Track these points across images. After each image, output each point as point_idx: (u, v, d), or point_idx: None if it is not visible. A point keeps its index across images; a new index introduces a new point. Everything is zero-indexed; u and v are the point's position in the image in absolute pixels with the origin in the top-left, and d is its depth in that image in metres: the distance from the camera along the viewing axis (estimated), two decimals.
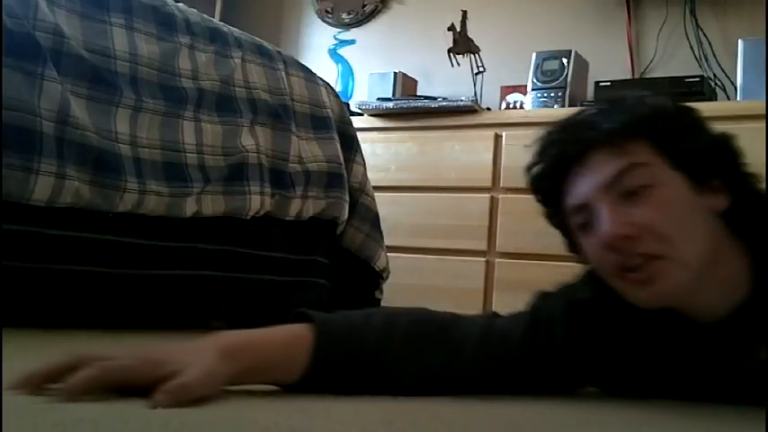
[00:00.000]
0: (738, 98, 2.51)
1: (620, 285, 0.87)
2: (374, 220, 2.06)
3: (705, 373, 0.90)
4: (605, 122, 0.87)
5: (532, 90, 2.80)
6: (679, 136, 0.88)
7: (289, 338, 0.80)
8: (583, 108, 0.94)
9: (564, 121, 0.93)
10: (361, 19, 3.62)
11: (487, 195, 2.65)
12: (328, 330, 0.81)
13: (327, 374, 0.80)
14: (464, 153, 2.72)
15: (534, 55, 2.85)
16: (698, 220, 0.85)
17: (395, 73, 3.14)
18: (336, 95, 2.08)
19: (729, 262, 0.87)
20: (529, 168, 0.96)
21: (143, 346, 0.75)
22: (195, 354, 0.71)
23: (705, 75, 2.70)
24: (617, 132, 0.86)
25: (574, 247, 0.96)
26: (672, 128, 0.88)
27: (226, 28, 1.82)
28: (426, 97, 2.89)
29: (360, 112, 2.92)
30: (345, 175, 1.95)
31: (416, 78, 3.26)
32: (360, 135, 2.13)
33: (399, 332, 0.87)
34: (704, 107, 2.76)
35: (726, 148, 0.90)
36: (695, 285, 0.84)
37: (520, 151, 3.01)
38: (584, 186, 0.87)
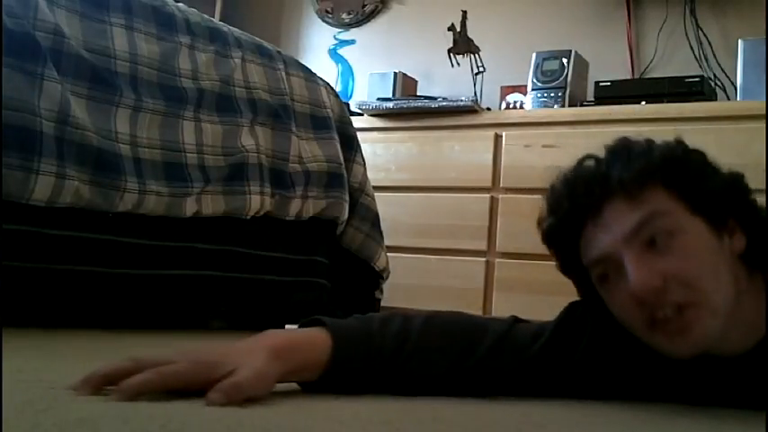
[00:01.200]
0: (738, 98, 2.51)
1: (652, 338, 0.85)
2: (374, 220, 2.06)
3: (729, 400, 0.89)
4: (616, 172, 0.86)
5: (532, 90, 2.80)
6: (694, 180, 0.86)
7: (312, 339, 0.81)
8: (585, 159, 0.92)
9: (570, 176, 0.91)
10: (361, 19, 3.62)
11: (487, 195, 2.65)
12: (344, 333, 0.82)
13: (344, 375, 0.81)
14: (464, 153, 2.72)
15: (534, 55, 2.85)
16: (722, 264, 0.84)
17: (395, 73, 3.14)
18: (336, 95, 2.08)
19: (751, 301, 0.86)
20: (540, 223, 0.94)
21: (196, 348, 0.78)
22: (247, 355, 0.74)
23: (705, 75, 2.70)
24: (632, 181, 0.85)
25: (588, 297, 0.95)
26: (686, 172, 0.87)
27: (226, 28, 1.82)
28: (426, 97, 2.89)
29: (360, 112, 2.92)
30: (345, 175, 1.95)
31: (416, 78, 3.26)
32: (360, 135, 2.13)
33: (413, 334, 0.87)
34: (704, 107, 2.75)
35: (737, 187, 0.90)
36: (723, 329, 0.83)
37: (520, 151, 3.02)
38: (605, 239, 0.85)
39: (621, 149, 0.90)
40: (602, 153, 0.91)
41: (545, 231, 0.94)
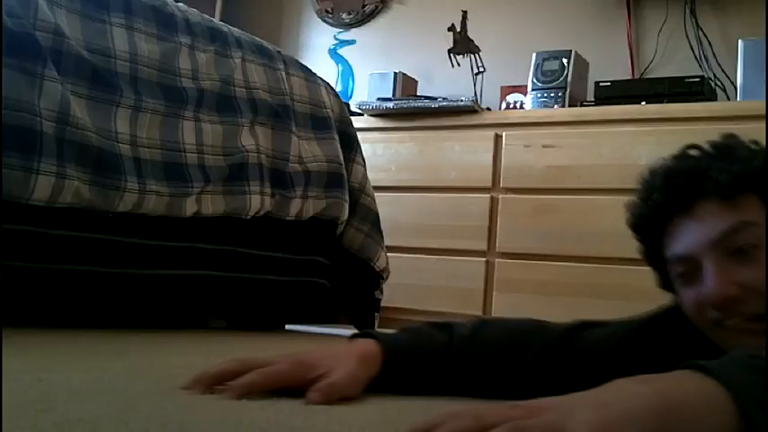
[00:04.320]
0: (738, 98, 2.51)
1: (718, 334, 0.84)
2: (374, 220, 2.06)
3: None
4: (715, 172, 0.84)
5: (532, 90, 2.80)
6: None
7: (369, 349, 0.86)
8: (689, 149, 0.90)
9: (668, 167, 0.90)
10: (361, 19, 3.62)
11: (487, 195, 2.65)
12: (392, 347, 0.86)
13: (393, 380, 0.86)
14: (464, 153, 2.72)
15: (534, 55, 2.85)
16: None
17: (395, 73, 3.14)
18: (336, 95, 2.08)
19: None
20: (630, 208, 0.94)
21: (295, 351, 0.83)
22: (339, 359, 0.81)
23: (705, 75, 2.70)
24: (728, 186, 0.83)
25: (666, 285, 0.94)
26: None
27: (226, 28, 1.82)
28: (426, 97, 2.89)
29: (360, 112, 2.92)
30: (345, 175, 1.95)
31: (416, 78, 3.26)
32: (360, 135, 2.13)
33: (455, 344, 0.91)
34: (704, 107, 2.74)
35: None
36: None
37: (520, 151, 3.01)
38: (692, 238, 0.85)
39: (725, 148, 0.88)
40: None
41: (633, 218, 0.93)
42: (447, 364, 0.89)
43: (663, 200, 0.88)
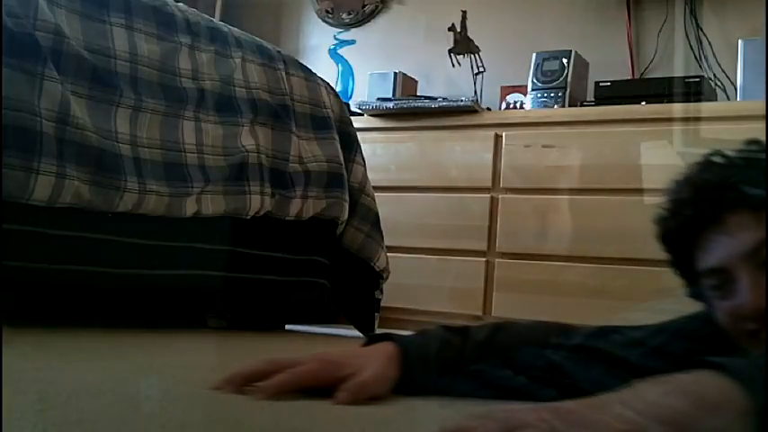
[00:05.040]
0: (738, 98, 2.51)
1: (755, 346, 0.83)
2: (374, 220, 2.06)
3: None
4: (744, 183, 0.84)
5: (532, 90, 2.80)
6: None
7: (391, 350, 0.87)
8: (714, 156, 0.89)
9: (695, 179, 0.89)
10: (361, 19, 3.62)
11: (487, 195, 2.65)
12: (410, 349, 0.87)
13: (407, 383, 0.87)
14: (464, 153, 2.72)
15: (534, 55, 2.85)
16: None
17: (395, 73, 3.14)
18: (336, 95, 2.07)
19: None
20: (659, 222, 0.93)
21: (323, 351, 0.85)
22: (367, 358, 0.83)
23: (705, 75, 2.70)
24: (760, 198, 0.82)
25: (695, 295, 0.94)
26: None
27: (226, 28, 1.82)
28: (426, 97, 2.89)
29: (360, 112, 2.92)
30: (345, 175, 1.95)
31: (416, 78, 3.26)
32: (360, 135, 2.13)
33: (469, 349, 0.91)
34: (704, 107, 2.74)
35: None
36: None
37: (520, 151, 3.01)
38: (723, 251, 0.85)
39: (753, 158, 0.88)
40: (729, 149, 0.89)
41: (662, 231, 0.93)
42: (460, 369, 0.89)
43: (693, 213, 0.87)
